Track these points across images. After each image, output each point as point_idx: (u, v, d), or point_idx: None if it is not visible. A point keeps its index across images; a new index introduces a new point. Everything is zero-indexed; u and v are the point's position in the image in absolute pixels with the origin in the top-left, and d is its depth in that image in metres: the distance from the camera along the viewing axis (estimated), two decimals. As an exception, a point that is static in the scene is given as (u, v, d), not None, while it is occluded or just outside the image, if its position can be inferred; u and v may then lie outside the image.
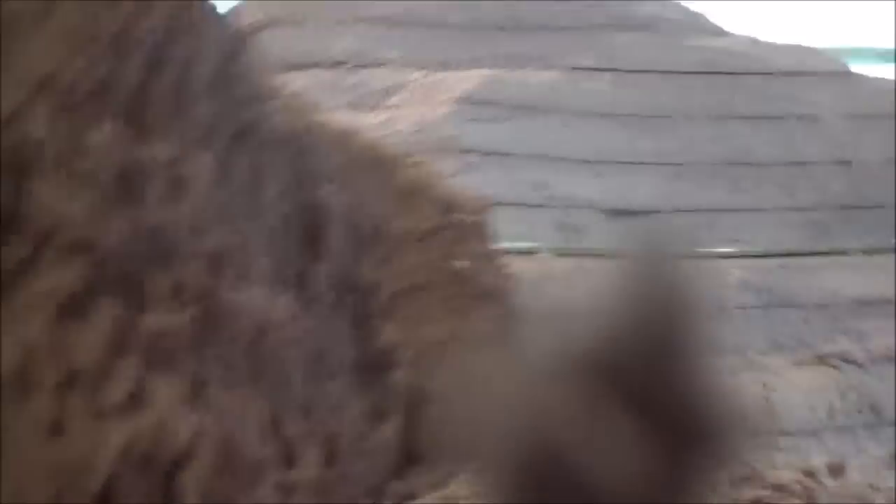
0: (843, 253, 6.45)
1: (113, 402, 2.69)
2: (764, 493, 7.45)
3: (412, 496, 4.28)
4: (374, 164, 4.65)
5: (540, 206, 5.87)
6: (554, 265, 5.91)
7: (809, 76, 6.30)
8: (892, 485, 7.20)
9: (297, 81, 5.81)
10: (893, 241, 6.43)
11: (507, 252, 5.91)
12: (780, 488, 7.62)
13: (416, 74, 5.93)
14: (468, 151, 5.86)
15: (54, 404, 2.68)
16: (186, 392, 2.74)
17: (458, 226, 5.30)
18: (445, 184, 4.84)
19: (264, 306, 3.15)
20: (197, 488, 2.70)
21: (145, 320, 2.78)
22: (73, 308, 2.73)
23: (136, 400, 2.71)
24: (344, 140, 4.42)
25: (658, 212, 6.10)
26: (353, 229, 4.40)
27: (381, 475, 4.65)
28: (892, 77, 6.44)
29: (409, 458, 5.19)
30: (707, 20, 6.27)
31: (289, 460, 3.38)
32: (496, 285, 5.36)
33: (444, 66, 6.10)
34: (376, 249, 4.68)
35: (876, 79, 6.46)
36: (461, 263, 5.36)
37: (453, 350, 5.11)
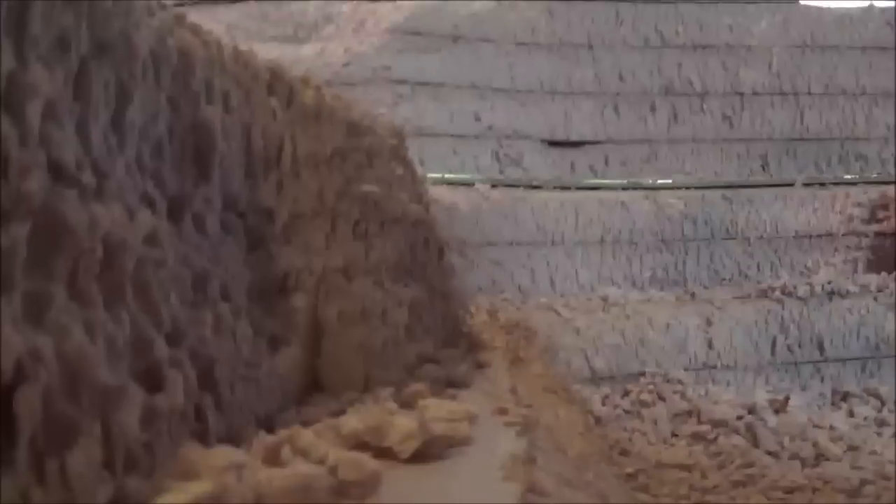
0: (786, 185, 6.30)
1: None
2: (704, 429, 7.42)
3: (305, 425, 4.19)
4: (271, 87, 4.50)
5: (476, 136, 5.71)
6: (490, 196, 5.78)
7: (750, 4, 6.14)
8: (834, 422, 7.16)
9: (226, 14, 5.65)
10: (837, 174, 6.31)
11: (442, 183, 5.82)
12: (720, 424, 7.59)
13: (346, 6, 5.73)
14: (400, 83, 5.68)
15: None
16: (19, 310, 2.64)
17: (366, 150, 5.12)
18: (352, 108, 4.68)
19: (119, 224, 3.04)
20: (33, 411, 2.61)
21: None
22: None
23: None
24: (236, 63, 4.28)
25: (597, 142, 5.97)
26: (244, 153, 4.26)
27: (274, 403, 4.56)
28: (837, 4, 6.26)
29: (312, 386, 5.08)
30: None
31: (155, 385, 3.29)
32: (408, 211, 5.20)
33: (375, -6, 5.94)
34: (272, 173, 4.52)
35: (819, 8, 6.31)
36: (368, 188, 5.19)
37: (353, 277, 4.98)
